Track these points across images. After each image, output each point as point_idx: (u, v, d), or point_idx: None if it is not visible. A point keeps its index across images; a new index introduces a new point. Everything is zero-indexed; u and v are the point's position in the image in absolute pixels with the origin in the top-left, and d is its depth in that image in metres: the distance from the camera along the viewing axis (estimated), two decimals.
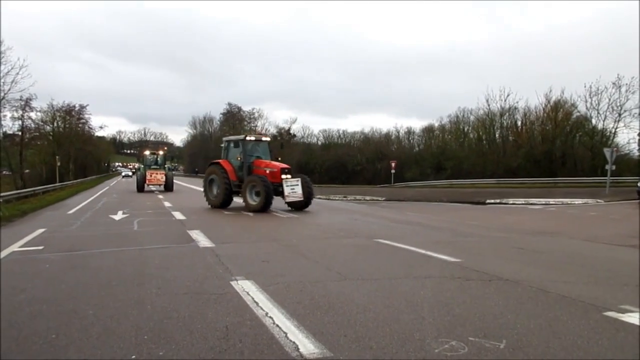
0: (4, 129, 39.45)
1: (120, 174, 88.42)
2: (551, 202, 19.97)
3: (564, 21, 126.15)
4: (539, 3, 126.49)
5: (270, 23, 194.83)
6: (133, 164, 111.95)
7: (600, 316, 4.24)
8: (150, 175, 30.25)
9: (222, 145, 18.12)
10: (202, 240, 9.17)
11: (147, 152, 34.70)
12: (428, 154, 59.19)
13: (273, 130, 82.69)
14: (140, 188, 30.29)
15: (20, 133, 42.13)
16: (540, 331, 3.85)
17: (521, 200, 20.72)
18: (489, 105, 51.14)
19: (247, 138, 17.28)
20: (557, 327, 3.95)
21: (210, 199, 17.42)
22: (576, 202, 19.98)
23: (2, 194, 19.20)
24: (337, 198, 24.00)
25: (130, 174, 76.17)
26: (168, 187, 30.87)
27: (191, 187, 36.51)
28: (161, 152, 34.69)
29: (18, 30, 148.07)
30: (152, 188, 31.62)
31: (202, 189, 18.19)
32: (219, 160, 17.41)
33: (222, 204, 16.85)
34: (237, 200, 17.30)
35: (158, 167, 32.18)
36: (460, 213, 16.35)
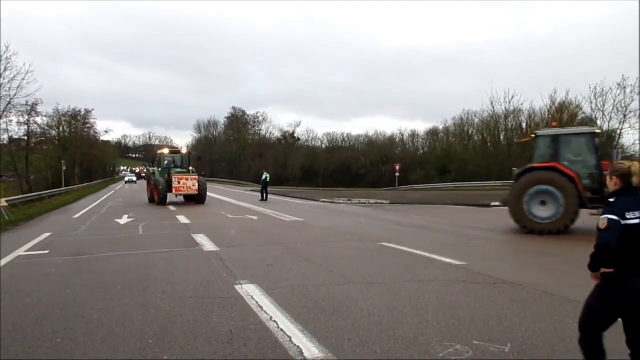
0: (10, 134, 39.75)
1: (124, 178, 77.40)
2: None
3: (569, 22, 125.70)
4: (544, 3, 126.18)
5: (275, 24, 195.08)
6: (140, 167, 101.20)
7: None
8: (179, 182, 21.10)
9: (532, 139, 12.48)
10: (206, 244, 9.19)
11: (165, 151, 25.18)
12: (432, 157, 59.11)
13: (277, 134, 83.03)
14: (163, 199, 21.45)
15: (26, 138, 42.43)
16: (545, 334, 3.84)
17: None
18: (493, 107, 51.04)
19: (598, 130, 11.57)
20: (562, 330, 3.94)
21: (532, 222, 10.59)
22: None
23: (9, 199, 19.31)
24: (341, 201, 24.01)
25: (134, 179, 67.15)
26: (201, 197, 22.11)
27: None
28: (184, 151, 25.70)
29: (23, 34, 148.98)
30: (174, 198, 22.66)
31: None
32: (552, 164, 10.79)
33: (568, 225, 10.47)
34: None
35: (184, 170, 23.14)
36: (465, 216, 16.28)
